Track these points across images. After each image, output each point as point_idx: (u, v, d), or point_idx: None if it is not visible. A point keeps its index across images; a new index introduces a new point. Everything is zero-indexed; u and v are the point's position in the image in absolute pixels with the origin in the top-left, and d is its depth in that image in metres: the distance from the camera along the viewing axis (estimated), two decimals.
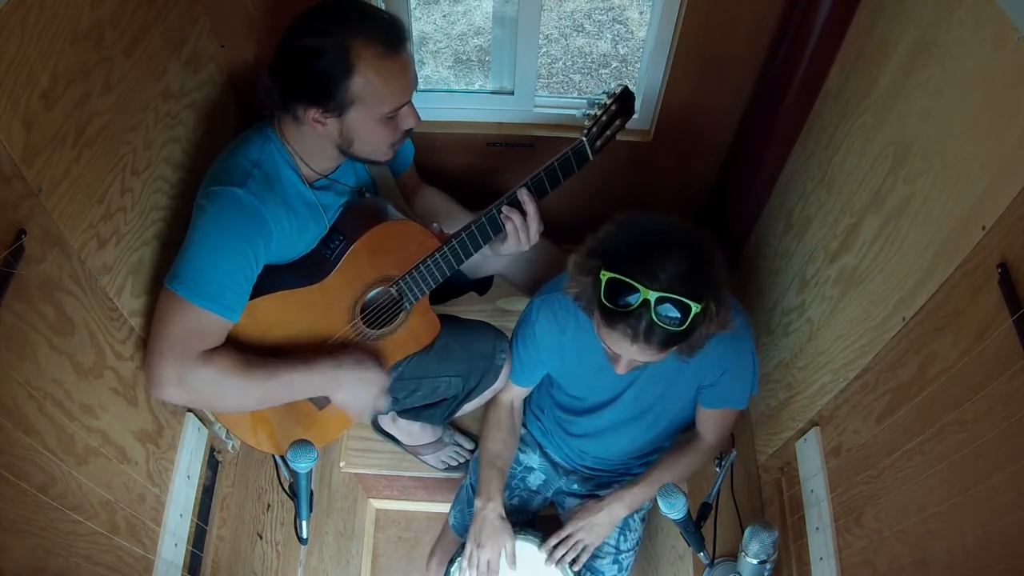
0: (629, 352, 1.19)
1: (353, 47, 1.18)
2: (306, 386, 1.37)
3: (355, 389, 1.40)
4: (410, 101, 1.29)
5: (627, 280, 1.12)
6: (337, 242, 1.38)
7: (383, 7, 1.67)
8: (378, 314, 1.47)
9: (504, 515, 1.58)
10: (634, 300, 1.12)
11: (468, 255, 1.43)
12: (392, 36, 1.21)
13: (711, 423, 1.57)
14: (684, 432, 1.66)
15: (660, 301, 1.11)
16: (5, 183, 0.94)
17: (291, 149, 1.31)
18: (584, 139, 1.37)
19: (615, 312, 1.14)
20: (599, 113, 1.37)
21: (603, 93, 1.38)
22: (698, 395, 1.53)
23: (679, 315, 1.12)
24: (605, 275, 1.14)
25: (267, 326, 1.36)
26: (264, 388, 1.30)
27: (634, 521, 1.72)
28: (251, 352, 1.31)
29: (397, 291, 1.45)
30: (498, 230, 1.41)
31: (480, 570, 1.57)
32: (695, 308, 1.12)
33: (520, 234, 1.40)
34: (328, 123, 1.24)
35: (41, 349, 1.03)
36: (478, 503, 1.58)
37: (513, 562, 1.58)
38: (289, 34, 1.22)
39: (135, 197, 1.26)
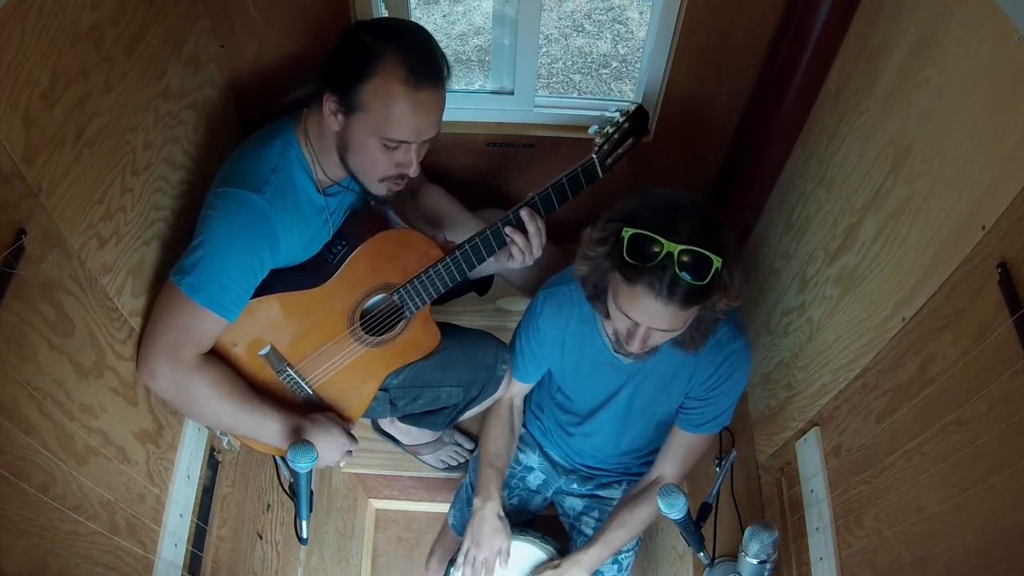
0: (649, 313, 1.19)
1: (383, 57, 1.18)
2: (270, 431, 1.38)
3: (320, 446, 1.40)
4: (414, 146, 1.26)
5: (650, 234, 1.14)
6: (340, 247, 1.38)
7: (385, 12, 1.67)
8: (378, 321, 1.47)
9: (502, 514, 1.59)
10: (657, 254, 1.14)
11: (471, 267, 1.43)
12: (422, 69, 1.20)
13: (681, 452, 1.54)
14: (644, 477, 1.62)
15: (683, 254, 1.13)
16: (5, 183, 0.94)
17: (311, 150, 1.31)
18: (595, 156, 1.36)
19: (638, 267, 1.15)
20: (611, 131, 1.36)
21: (616, 111, 1.37)
22: (680, 412, 1.52)
23: (701, 268, 1.14)
24: (628, 232, 1.16)
25: (266, 327, 1.36)
26: (235, 417, 1.34)
27: None
28: (246, 381, 1.36)
29: (398, 299, 1.45)
30: (503, 243, 1.40)
31: (476, 568, 1.58)
32: (716, 261, 1.14)
33: (524, 252, 1.40)
34: (337, 117, 1.24)
35: (41, 349, 1.03)
36: (476, 502, 1.59)
37: (506, 561, 1.59)
38: (358, 25, 1.26)
39: (135, 197, 1.26)
